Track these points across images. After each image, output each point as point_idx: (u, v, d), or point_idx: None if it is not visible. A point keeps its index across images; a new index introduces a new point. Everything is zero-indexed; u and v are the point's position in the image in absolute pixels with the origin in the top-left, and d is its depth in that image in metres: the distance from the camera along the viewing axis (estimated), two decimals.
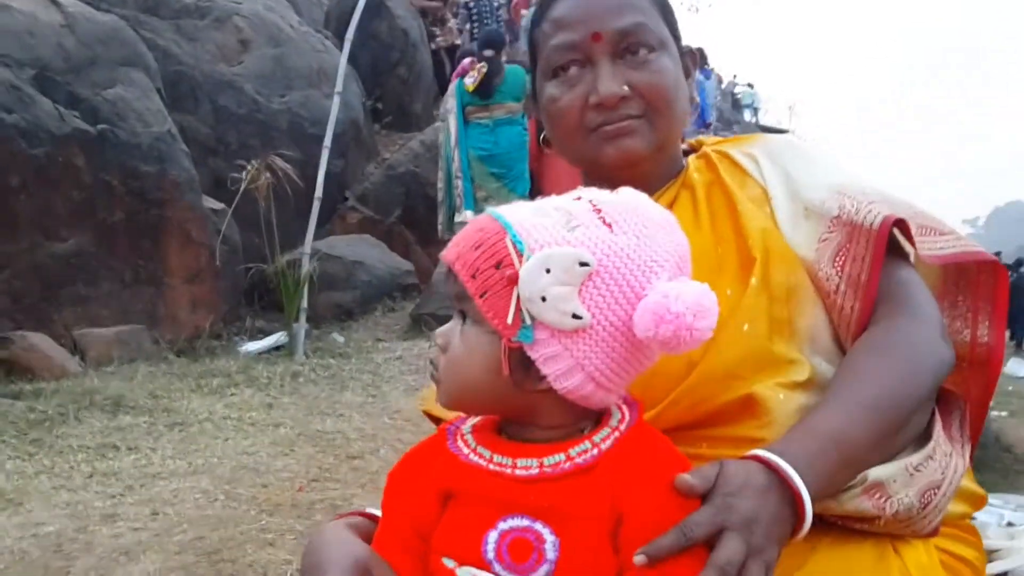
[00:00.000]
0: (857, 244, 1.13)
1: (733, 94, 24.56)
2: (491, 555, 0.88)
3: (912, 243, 1.16)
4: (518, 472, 0.91)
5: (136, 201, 6.11)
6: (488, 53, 7.36)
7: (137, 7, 7.54)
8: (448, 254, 0.93)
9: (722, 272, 1.15)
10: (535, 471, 0.90)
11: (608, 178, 1.13)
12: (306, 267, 6.42)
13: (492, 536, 0.89)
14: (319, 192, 6.58)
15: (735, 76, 26.22)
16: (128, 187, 6.07)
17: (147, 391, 4.76)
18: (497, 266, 0.89)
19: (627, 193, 0.95)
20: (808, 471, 0.91)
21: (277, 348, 6.34)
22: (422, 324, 7.04)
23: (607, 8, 1.22)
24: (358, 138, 9.24)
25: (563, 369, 0.89)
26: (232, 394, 4.99)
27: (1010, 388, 8.72)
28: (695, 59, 1.35)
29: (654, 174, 1.25)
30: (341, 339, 6.80)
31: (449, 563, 0.91)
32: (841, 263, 1.14)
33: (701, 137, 1.44)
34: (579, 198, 0.94)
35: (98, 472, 3.63)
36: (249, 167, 6.50)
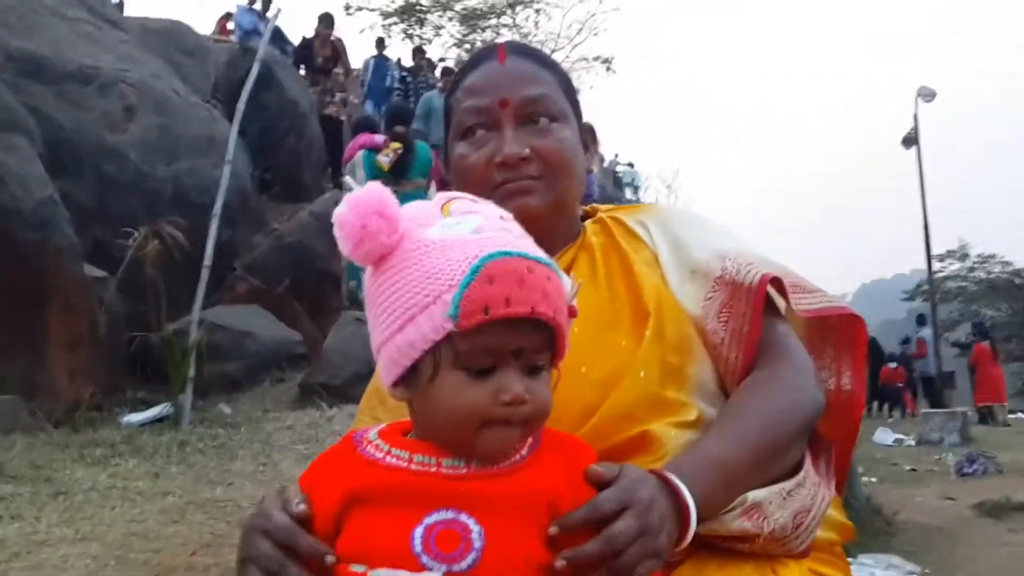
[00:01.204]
0: (739, 302, 1.27)
1: (615, 172, 25.13)
2: (419, 547, 0.91)
3: (786, 298, 1.32)
4: (444, 470, 0.95)
5: (15, 267, 5.92)
6: (400, 130, 7.38)
7: (18, 71, 7.36)
8: (544, 310, 0.94)
9: (617, 326, 1.28)
10: (463, 469, 0.96)
11: None
12: (194, 336, 6.30)
13: (419, 531, 0.92)
14: (208, 260, 6.47)
15: (616, 155, 26.78)
16: (7, 253, 5.90)
17: (27, 461, 4.59)
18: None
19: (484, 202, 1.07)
20: (695, 487, 1.03)
21: (160, 420, 6.17)
22: (312, 394, 6.96)
23: (514, 79, 1.37)
24: (246, 207, 9.18)
25: None
26: (116, 464, 4.83)
27: (878, 456, 9.21)
28: (593, 136, 1.51)
29: (554, 234, 1.36)
30: (228, 410, 6.65)
31: (358, 568, 0.94)
32: (725, 319, 1.28)
33: (595, 204, 1.57)
34: (503, 217, 1.03)
35: None
36: (136, 234, 6.39)
